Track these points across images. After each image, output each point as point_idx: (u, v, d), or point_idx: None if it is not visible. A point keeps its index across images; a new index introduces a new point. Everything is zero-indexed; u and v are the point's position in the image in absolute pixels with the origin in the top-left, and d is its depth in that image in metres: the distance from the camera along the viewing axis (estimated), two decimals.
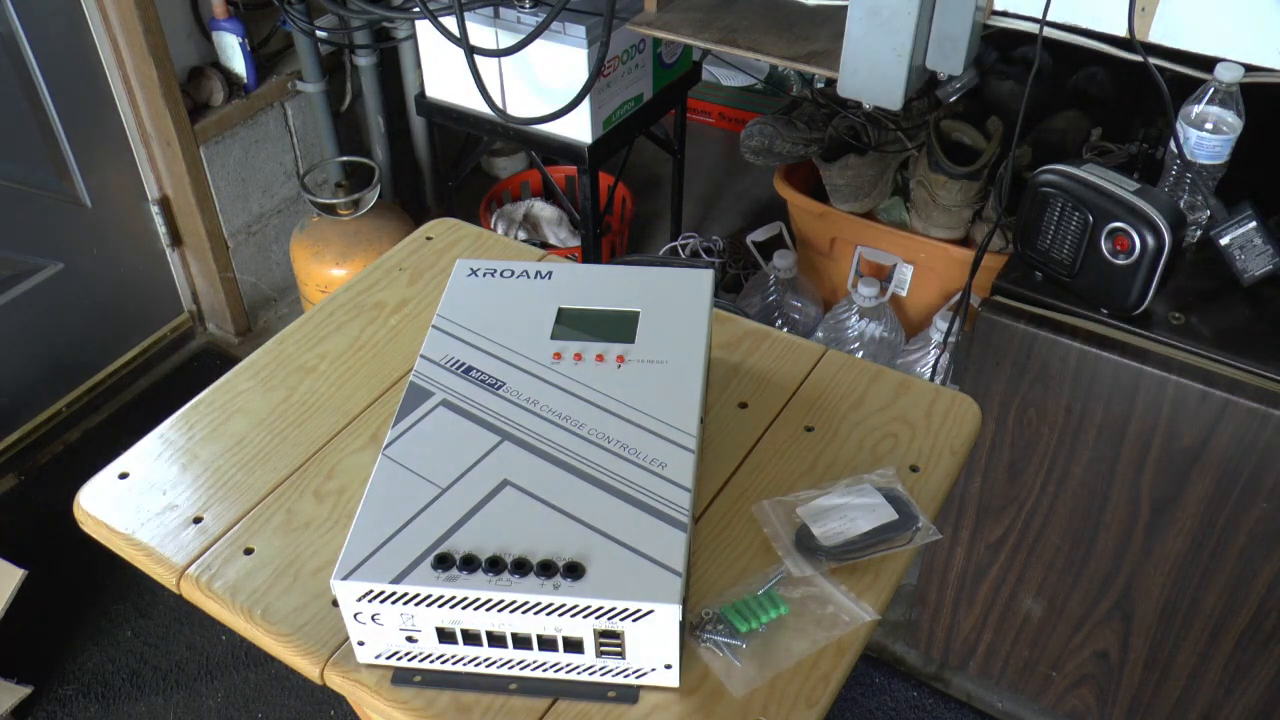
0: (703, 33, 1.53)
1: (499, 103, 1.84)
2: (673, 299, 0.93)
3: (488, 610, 0.72)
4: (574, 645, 0.73)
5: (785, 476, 0.91)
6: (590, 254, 2.03)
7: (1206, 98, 1.20)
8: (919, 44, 1.33)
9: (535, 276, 0.96)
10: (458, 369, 0.88)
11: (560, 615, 0.72)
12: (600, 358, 0.88)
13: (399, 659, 0.76)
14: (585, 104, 1.75)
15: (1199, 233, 1.29)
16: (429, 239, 1.20)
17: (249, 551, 0.85)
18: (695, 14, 1.58)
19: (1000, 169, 1.67)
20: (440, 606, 0.72)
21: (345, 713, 1.71)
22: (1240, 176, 1.26)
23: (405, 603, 0.72)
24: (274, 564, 0.84)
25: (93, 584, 1.88)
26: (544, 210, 2.47)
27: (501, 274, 0.97)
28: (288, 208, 2.38)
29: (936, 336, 1.81)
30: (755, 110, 2.78)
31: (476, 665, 0.76)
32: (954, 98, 1.80)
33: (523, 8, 1.72)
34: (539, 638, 0.73)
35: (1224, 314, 1.24)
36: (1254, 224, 1.20)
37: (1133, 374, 1.22)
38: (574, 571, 0.72)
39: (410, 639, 0.75)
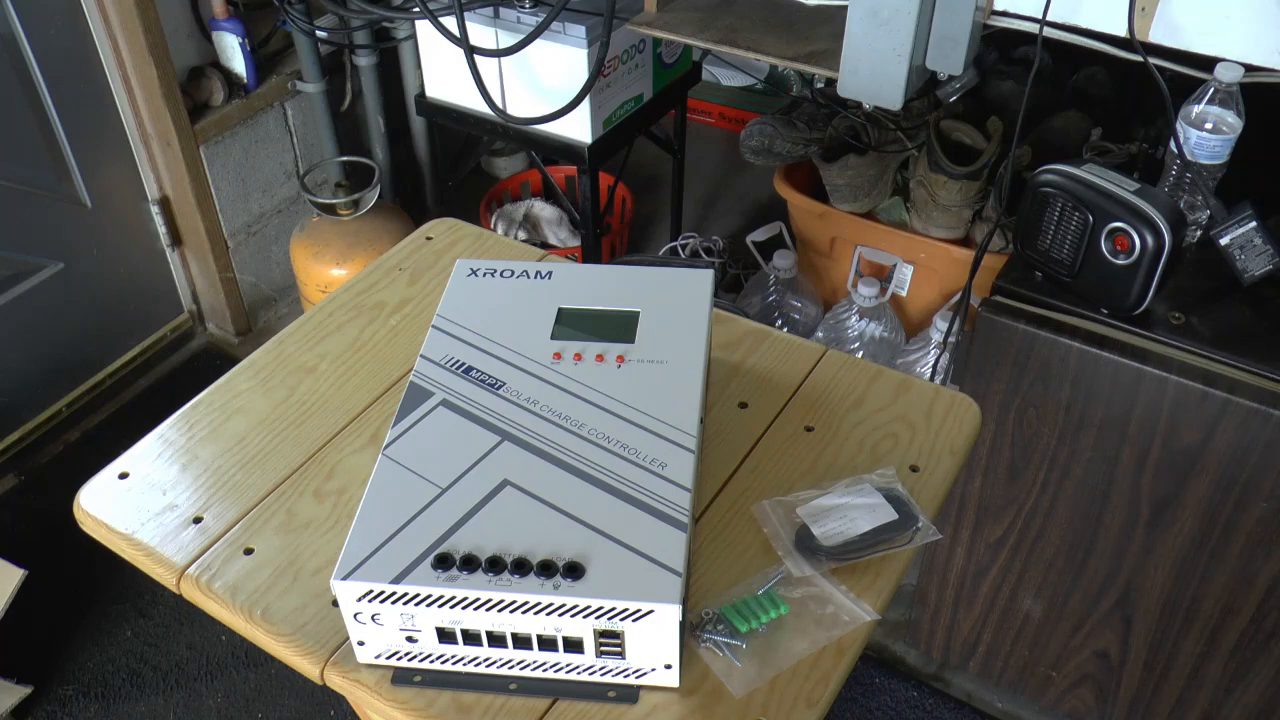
0: (703, 33, 1.54)
1: (499, 103, 1.84)
2: (673, 299, 0.93)
3: (488, 610, 0.72)
4: (574, 645, 0.74)
5: (785, 476, 0.91)
6: (590, 254, 2.03)
7: (1206, 98, 1.20)
8: (919, 44, 1.33)
9: (535, 276, 0.96)
10: (458, 369, 0.88)
11: (560, 615, 0.72)
12: (600, 358, 0.88)
13: (399, 659, 0.76)
14: (585, 104, 1.75)
15: (1199, 233, 1.29)
16: (429, 239, 1.20)
17: (249, 551, 0.85)
18: (695, 14, 1.58)
19: (1000, 169, 1.67)
20: (440, 606, 0.72)
21: (345, 713, 1.71)
22: (1240, 176, 1.26)
23: (405, 603, 0.72)
24: (274, 564, 0.84)
25: (93, 584, 1.88)
26: (544, 210, 2.47)
27: (501, 274, 0.97)
28: (288, 208, 2.38)
29: (936, 336, 1.81)
30: (755, 110, 2.78)
31: (476, 665, 0.76)
32: (954, 98, 1.80)
33: (523, 8, 1.72)
34: (539, 638, 0.73)
35: (1224, 314, 1.24)
36: (1254, 224, 1.20)
37: (1133, 374, 1.22)
38: (574, 571, 0.72)
39: (410, 639, 0.75)
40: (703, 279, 0.95)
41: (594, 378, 0.86)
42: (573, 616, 0.72)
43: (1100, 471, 1.33)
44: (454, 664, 0.76)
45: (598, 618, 0.71)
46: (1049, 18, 1.25)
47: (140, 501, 0.90)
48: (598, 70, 1.67)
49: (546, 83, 1.79)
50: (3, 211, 1.96)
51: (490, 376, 0.87)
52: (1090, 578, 1.43)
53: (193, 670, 1.76)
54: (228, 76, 2.13)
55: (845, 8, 1.33)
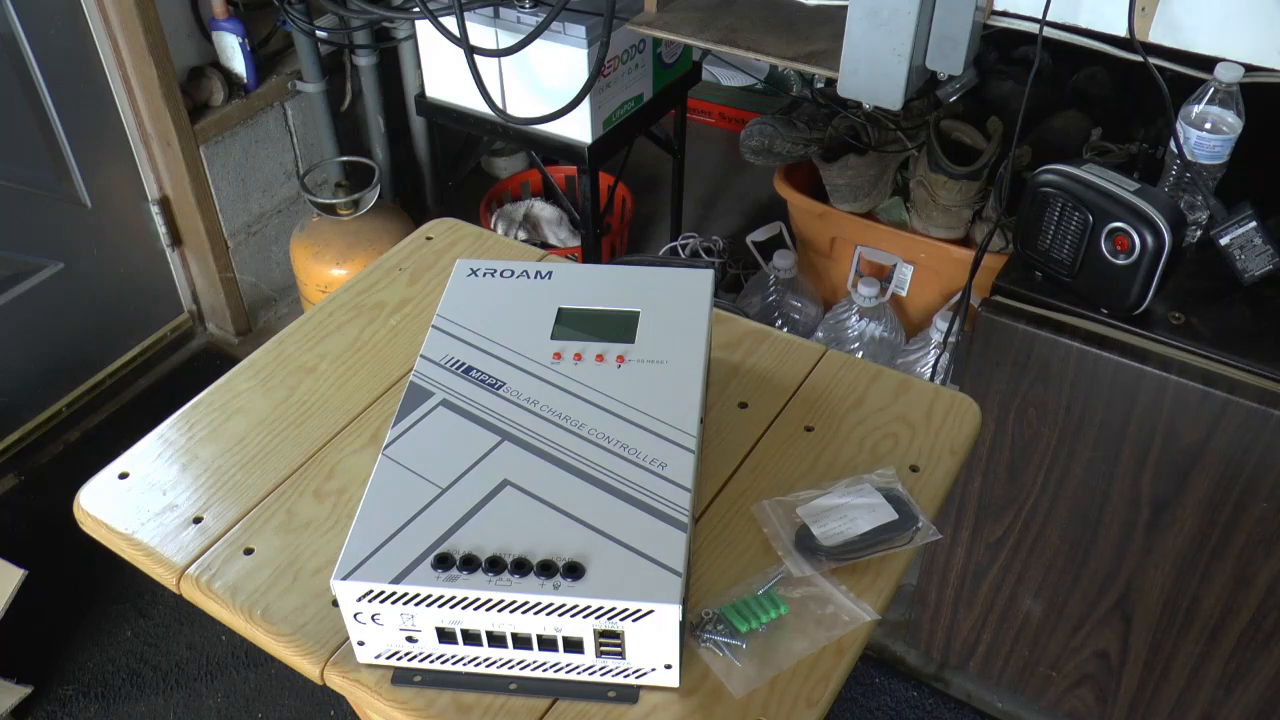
0: (703, 33, 1.53)
1: (499, 103, 1.84)
2: (673, 299, 0.93)
3: (488, 610, 0.72)
4: (574, 645, 0.74)
5: (785, 476, 0.91)
6: (590, 254, 2.03)
7: (1206, 98, 1.20)
8: (919, 44, 1.33)
9: (535, 276, 0.96)
10: (458, 369, 0.88)
11: (560, 615, 0.72)
12: (600, 358, 0.88)
13: (399, 659, 0.76)
14: (585, 104, 1.75)
15: (1199, 233, 1.29)
16: (429, 239, 1.20)
17: (249, 551, 0.85)
18: (695, 14, 1.58)
19: (1000, 169, 1.67)
20: (440, 606, 0.72)
21: (345, 713, 1.71)
22: (1240, 176, 1.26)
23: (405, 603, 0.72)
24: (274, 564, 0.84)
25: (93, 584, 1.88)
26: (544, 210, 2.47)
27: (501, 274, 0.97)
28: (288, 208, 2.38)
29: (936, 336, 1.81)
30: (755, 110, 2.78)
31: (476, 665, 0.76)
32: (954, 98, 1.80)
33: (523, 8, 1.72)
34: (539, 638, 0.73)
35: (1224, 314, 1.24)
36: (1254, 224, 1.20)
37: (1133, 374, 1.22)
38: (574, 571, 0.72)
39: (410, 639, 0.75)
40: (703, 279, 0.95)
41: (594, 378, 0.86)
42: (573, 616, 0.72)
43: (1100, 471, 1.33)
44: (454, 664, 0.76)
45: (598, 618, 0.71)
46: (1049, 18, 1.25)
47: (140, 501, 0.90)
48: (598, 70, 1.67)
49: (546, 83, 1.79)
50: (3, 211, 1.96)
51: (490, 376, 0.87)
52: (1090, 578, 1.43)
53: (193, 670, 1.76)
54: (228, 76, 2.13)
55: (845, 8, 1.33)
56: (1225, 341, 1.21)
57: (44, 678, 1.75)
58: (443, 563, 0.73)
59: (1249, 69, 1.18)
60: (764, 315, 2.03)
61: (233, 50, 2.11)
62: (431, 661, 0.76)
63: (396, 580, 0.72)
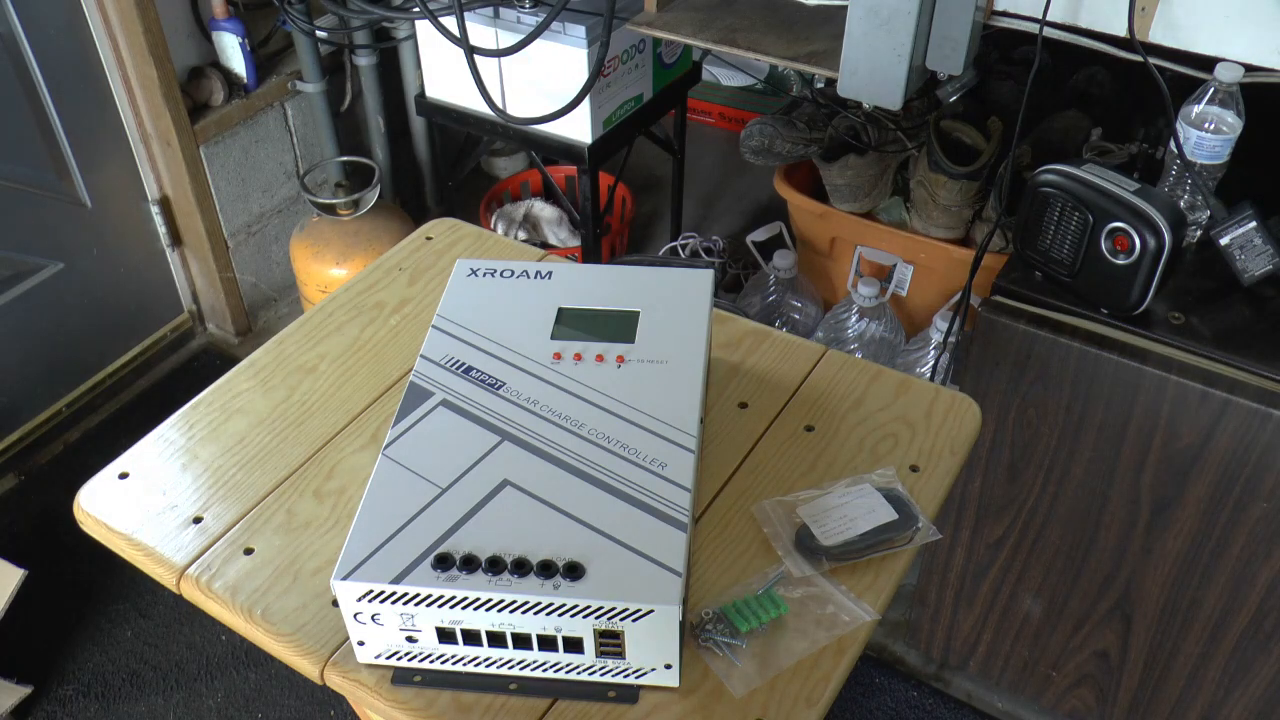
0: (703, 33, 1.54)
1: (499, 103, 1.84)
2: (673, 299, 0.93)
3: (488, 610, 0.72)
4: (574, 645, 0.74)
5: (785, 476, 0.91)
6: (590, 254, 2.03)
7: (1206, 98, 1.20)
8: (919, 44, 1.33)
9: (535, 276, 0.96)
10: (458, 369, 0.88)
11: (560, 615, 0.72)
12: (600, 358, 0.88)
13: (399, 659, 0.76)
14: (585, 104, 1.75)
15: (1199, 233, 1.29)
16: (429, 239, 1.20)
17: (249, 551, 0.85)
18: (695, 14, 1.58)
19: (1000, 169, 1.67)
20: (440, 606, 0.72)
21: (345, 713, 1.71)
22: (1240, 176, 1.26)
23: (405, 603, 0.72)
24: (274, 564, 0.84)
25: (93, 584, 1.88)
26: (544, 210, 2.47)
27: (501, 274, 0.97)
28: (288, 208, 2.38)
29: (936, 336, 1.81)
30: (755, 110, 2.78)
31: (476, 665, 0.76)
32: (954, 98, 1.80)
33: (523, 8, 1.72)
34: (539, 638, 0.73)
35: (1224, 314, 1.24)
36: (1254, 224, 1.20)
37: (1133, 374, 1.22)
38: (574, 572, 0.72)
39: (410, 639, 0.75)
40: (703, 279, 0.95)
41: (594, 378, 0.86)
42: (573, 616, 0.72)
43: (1100, 471, 1.33)
44: (454, 664, 0.76)
45: (597, 618, 0.71)
46: (1049, 18, 1.25)
47: (140, 501, 0.90)
48: (598, 70, 1.67)
49: (546, 83, 1.79)
50: (3, 211, 1.96)
51: (490, 376, 0.87)
52: (1090, 578, 1.43)
53: (193, 670, 1.76)
54: (228, 76, 2.13)
55: (845, 8, 1.33)
56: (1225, 341, 1.21)
57: (44, 678, 1.75)
58: (443, 563, 0.73)
59: (1249, 69, 1.18)
60: (764, 315, 2.03)
61: (233, 50, 2.11)
62: (431, 661, 0.76)
63: (396, 580, 0.72)
